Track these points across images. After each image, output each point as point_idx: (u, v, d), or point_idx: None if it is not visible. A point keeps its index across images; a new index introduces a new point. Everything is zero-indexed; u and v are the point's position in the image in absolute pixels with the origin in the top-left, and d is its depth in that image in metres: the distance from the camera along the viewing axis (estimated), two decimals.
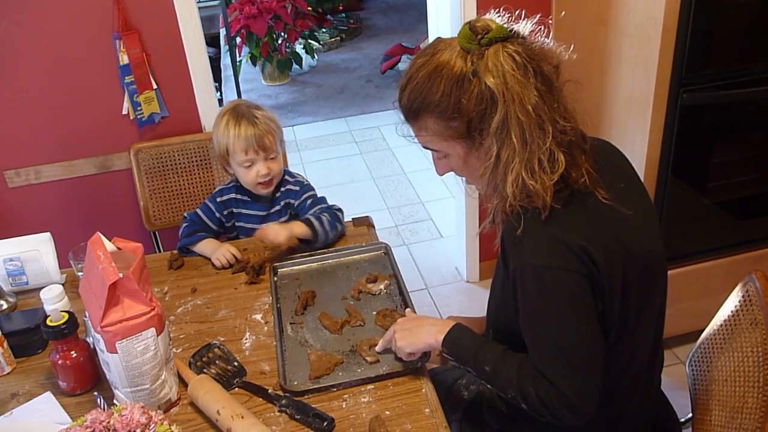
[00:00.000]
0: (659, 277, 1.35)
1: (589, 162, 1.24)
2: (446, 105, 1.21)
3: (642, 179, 2.17)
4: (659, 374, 1.49)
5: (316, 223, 1.83)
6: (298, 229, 1.81)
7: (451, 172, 1.37)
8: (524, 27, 1.24)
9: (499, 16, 1.25)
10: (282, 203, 2.00)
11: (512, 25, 1.23)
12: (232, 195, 2.01)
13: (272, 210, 2.01)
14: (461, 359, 1.35)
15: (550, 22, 1.31)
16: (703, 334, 1.55)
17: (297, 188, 2.00)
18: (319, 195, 2.01)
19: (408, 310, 1.60)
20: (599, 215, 1.22)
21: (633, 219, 1.25)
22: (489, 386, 1.38)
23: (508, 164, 1.19)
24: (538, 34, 1.25)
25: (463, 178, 1.39)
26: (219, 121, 1.93)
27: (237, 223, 2.04)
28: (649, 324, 1.35)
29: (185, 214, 1.99)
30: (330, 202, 1.98)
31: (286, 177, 2.01)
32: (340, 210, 1.95)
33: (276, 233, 1.78)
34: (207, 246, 1.90)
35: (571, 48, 1.29)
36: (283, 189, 2.00)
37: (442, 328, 1.38)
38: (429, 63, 1.23)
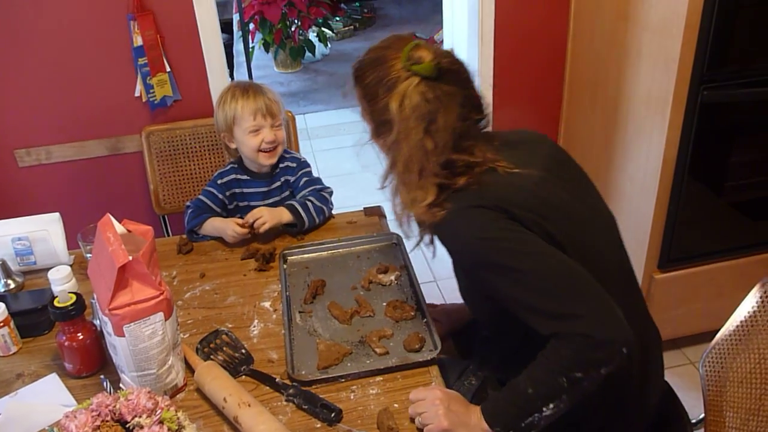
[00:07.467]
0: (597, 228, 1.41)
1: (485, 149, 1.35)
2: (368, 92, 1.35)
3: (657, 178, 2.17)
4: (657, 357, 1.50)
5: (301, 210, 1.88)
6: (286, 217, 1.88)
7: None
8: (465, 68, 1.36)
9: (449, 49, 1.37)
10: (282, 179, 2.03)
11: (457, 65, 1.34)
12: (232, 176, 2.02)
13: (273, 186, 2.03)
14: (512, 412, 1.26)
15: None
16: (718, 335, 1.52)
17: (294, 165, 2.03)
18: (316, 176, 2.04)
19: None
20: (505, 182, 1.31)
21: (542, 178, 1.34)
22: (552, 407, 1.23)
23: (397, 185, 1.37)
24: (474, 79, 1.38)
25: None
26: (224, 97, 1.97)
27: (240, 204, 2.04)
28: (610, 276, 1.34)
29: (187, 203, 1.98)
30: (325, 184, 2.03)
31: (284, 154, 2.04)
32: (330, 192, 2.00)
33: (264, 220, 1.84)
34: (213, 224, 1.90)
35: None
36: (281, 165, 2.03)
37: (477, 417, 1.29)
38: (381, 50, 1.36)
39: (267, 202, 2.01)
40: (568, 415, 1.25)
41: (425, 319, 1.56)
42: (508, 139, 1.44)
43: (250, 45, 4.97)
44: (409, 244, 1.56)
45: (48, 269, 1.62)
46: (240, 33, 4.95)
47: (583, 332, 1.19)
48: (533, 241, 1.25)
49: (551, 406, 1.22)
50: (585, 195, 1.43)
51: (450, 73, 1.31)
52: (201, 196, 2.00)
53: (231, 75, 4.90)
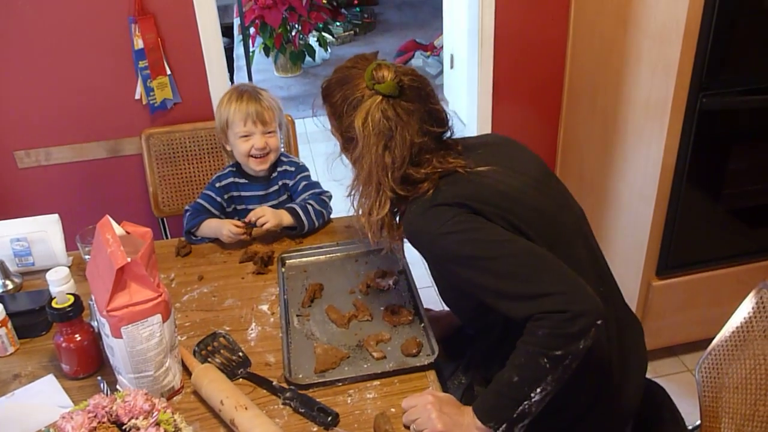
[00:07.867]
0: (565, 219, 1.44)
1: (444, 156, 1.39)
2: (336, 110, 1.41)
3: (656, 185, 2.17)
4: (635, 341, 1.53)
5: (302, 214, 1.89)
6: (287, 219, 1.88)
7: None
8: (426, 85, 1.40)
9: (411, 67, 1.42)
10: (279, 183, 2.04)
11: (418, 82, 1.38)
12: (230, 179, 2.03)
13: (270, 190, 2.04)
14: (502, 404, 1.26)
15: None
16: (714, 341, 1.52)
17: (292, 169, 2.05)
18: (314, 180, 2.05)
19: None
20: (466, 180, 1.36)
21: (503, 174, 1.39)
22: (540, 391, 1.24)
23: (360, 197, 1.44)
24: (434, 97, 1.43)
25: None
26: (223, 99, 1.99)
27: (237, 207, 2.05)
28: (582, 265, 1.38)
29: (186, 207, 1.99)
30: (324, 188, 2.04)
31: (282, 158, 2.05)
32: (329, 196, 2.01)
33: (266, 219, 1.84)
34: (210, 225, 1.91)
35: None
36: (279, 169, 2.04)
37: (471, 417, 1.30)
38: (347, 70, 1.42)
39: (264, 205, 2.01)
40: (552, 401, 1.26)
41: (423, 324, 1.56)
42: (470, 143, 1.50)
43: (251, 49, 4.98)
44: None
45: (46, 270, 1.62)
46: (240, 37, 4.96)
47: (556, 308, 1.20)
48: (495, 230, 1.29)
49: (539, 390, 1.23)
50: (549, 188, 1.46)
51: (411, 90, 1.37)
52: (199, 200, 2.00)
53: (231, 79, 4.90)
